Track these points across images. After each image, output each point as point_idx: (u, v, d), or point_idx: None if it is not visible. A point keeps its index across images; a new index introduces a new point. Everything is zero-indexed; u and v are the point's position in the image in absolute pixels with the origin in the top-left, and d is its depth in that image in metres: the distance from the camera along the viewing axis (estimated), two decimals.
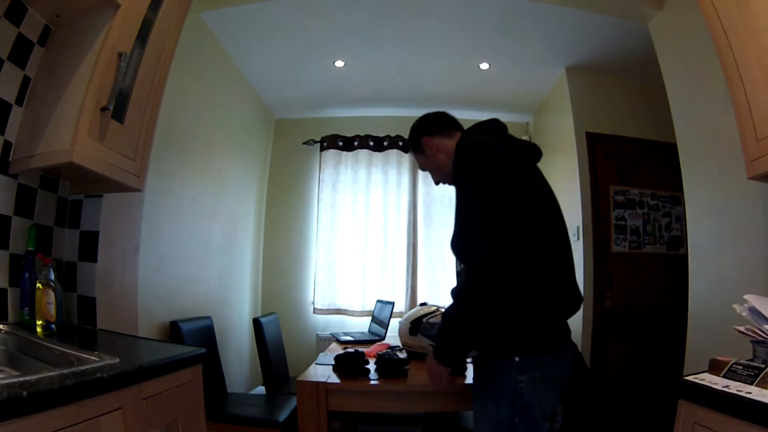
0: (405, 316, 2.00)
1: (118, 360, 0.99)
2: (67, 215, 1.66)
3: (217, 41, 2.72)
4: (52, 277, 1.37)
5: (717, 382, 0.97)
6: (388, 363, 1.63)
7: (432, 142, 1.31)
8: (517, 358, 1.09)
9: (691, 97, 2.00)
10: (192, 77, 2.36)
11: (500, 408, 1.09)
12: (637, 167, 2.97)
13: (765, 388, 0.90)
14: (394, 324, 2.43)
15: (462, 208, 1.12)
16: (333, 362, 1.76)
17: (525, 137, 3.77)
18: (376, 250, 3.65)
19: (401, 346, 1.95)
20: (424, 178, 3.72)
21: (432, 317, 1.87)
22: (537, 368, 1.08)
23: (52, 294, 1.35)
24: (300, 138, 3.86)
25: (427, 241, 3.66)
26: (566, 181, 3.04)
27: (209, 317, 2.45)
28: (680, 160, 2.04)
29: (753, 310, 1.07)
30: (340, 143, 3.79)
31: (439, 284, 3.58)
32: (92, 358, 0.99)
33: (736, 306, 1.12)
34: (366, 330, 3.08)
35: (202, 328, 2.32)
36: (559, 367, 1.11)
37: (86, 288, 1.67)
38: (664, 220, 2.97)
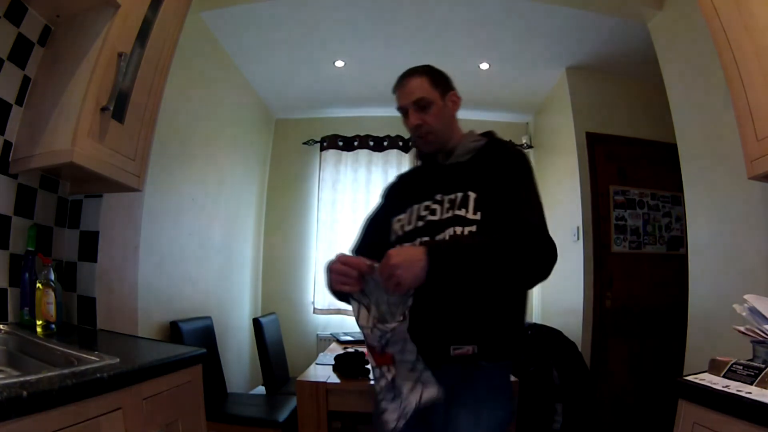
0: None
1: (118, 360, 0.99)
2: (67, 215, 1.66)
3: (217, 41, 2.72)
4: (52, 277, 1.37)
5: (717, 382, 0.97)
6: None
7: (457, 103, 1.18)
8: (510, 361, 1.07)
9: (691, 97, 2.00)
10: (192, 77, 2.36)
11: (495, 414, 1.03)
12: (637, 167, 2.98)
13: (765, 388, 0.90)
14: None
15: (530, 197, 1.04)
16: (333, 362, 1.76)
17: (525, 137, 3.77)
18: None
19: None
20: None
21: None
22: (512, 370, 1.11)
23: (52, 294, 1.35)
24: (300, 138, 3.86)
25: None
26: (566, 181, 3.04)
27: (209, 317, 2.45)
28: (680, 160, 2.04)
29: (753, 310, 1.07)
30: (340, 143, 3.79)
31: None
32: (92, 358, 0.99)
33: (736, 306, 1.11)
34: None
35: (202, 328, 2.32)
36: None
37: (86, 288, 1.67)
38: (664, 220, 2.97)
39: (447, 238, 1.02)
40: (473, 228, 1.01)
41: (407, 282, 0.87)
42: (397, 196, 1.23)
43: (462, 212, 1.04)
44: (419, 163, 1.26)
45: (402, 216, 1.14)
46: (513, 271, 0.95)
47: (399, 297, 0.93)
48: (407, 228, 1.11)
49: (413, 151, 3.70)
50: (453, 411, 1.01)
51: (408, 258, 0.88)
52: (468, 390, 1.02)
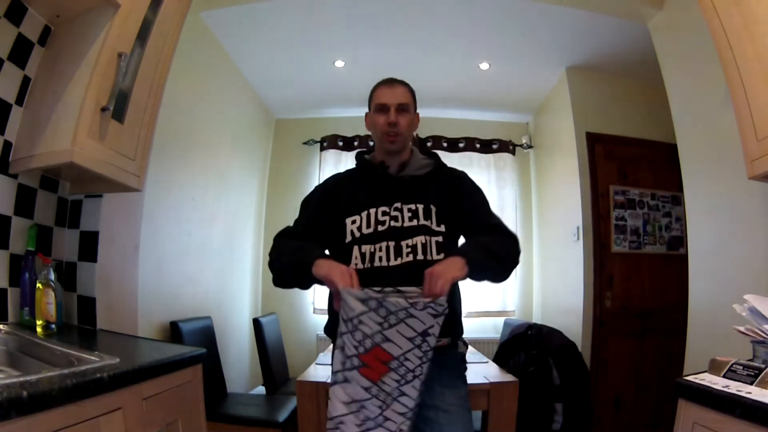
0: None
1: (118, 360, 0.99)
2: (67, 215, 1.66)
3: (217, 41, 2.72)
4: (52, 277, 1.37)
5: (717, 382, 0.97)
6: None
7: (417, 123, 1.38)
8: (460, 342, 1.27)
9: (691, 97, 2.00)
10: (192, 77, 2.36)
11: (465, 388, 1.21)
12: (637, 167, 2.98)
13: (765, 388, 0.90)
14: None
15: (487, 206, 1.30)
16: None
17: (525, 137, 3.77)
18: None
19: None
20: None
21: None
22: None
23: (52, 294, 1.35)
24: (300, 138, 3.85)
25: None
26: (566, 181, 3.04)
27: (209, 317, 2.45)
28: (680, 160, 2.04)
29: (753, 310, 1.07)
30: (340, 143, 3.79)
31: None
32: (92, 358, 0.99)
33: (736, 306, 1.12)
34: None
35: (202, 328, 2.32)
36: None
37: (86, 288, 1.67)
38: (664, 220, 2.97)
39: (421, 243, 1.18)
40: (439, 238, 1.19)
41: (442, 280, 0.99)
42: (341, 196, 1.29)
43: (428, 223, 1.20)
44: (356, 167, 1.38)
45: (356, 217, 1.22)
46: (510, 261, 1.17)
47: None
48: (366, 230, 1.20)
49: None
50: (437, 389, 1.14)
51: (445, 267, 1.02)
52: (446, 372, 1.19)
